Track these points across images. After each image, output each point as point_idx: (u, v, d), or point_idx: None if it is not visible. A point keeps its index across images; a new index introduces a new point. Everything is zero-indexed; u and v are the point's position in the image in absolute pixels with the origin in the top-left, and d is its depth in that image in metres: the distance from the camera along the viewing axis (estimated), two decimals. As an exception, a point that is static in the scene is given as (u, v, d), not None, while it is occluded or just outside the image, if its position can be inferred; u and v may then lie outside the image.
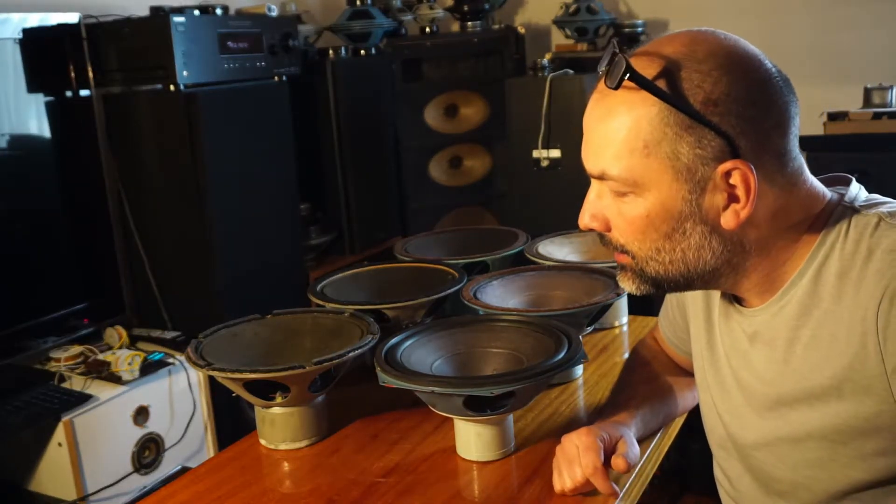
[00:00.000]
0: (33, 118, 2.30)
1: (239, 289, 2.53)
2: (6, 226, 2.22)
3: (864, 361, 0.86)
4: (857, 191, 0.95)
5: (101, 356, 2.27)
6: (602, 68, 0.90)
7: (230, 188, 2.52)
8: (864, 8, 3.13)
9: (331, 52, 3.11)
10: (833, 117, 2.87)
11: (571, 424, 1.24)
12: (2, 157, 2.23)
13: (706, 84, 0.85)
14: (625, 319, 1.68)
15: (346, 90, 3.12)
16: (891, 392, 0.85)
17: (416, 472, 1.16)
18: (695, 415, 1.19)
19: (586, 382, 1.43)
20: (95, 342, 2.37)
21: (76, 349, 2.29)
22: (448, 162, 3.58)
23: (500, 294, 1.50)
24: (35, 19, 2.24)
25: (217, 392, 2.37)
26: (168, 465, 2.26)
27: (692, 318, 1.12)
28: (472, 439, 1.17)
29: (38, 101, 2.29)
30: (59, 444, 2.01)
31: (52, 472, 2.06)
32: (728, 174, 0.86)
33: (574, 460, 1.06)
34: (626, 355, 1.39)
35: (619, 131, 0.88)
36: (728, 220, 0.89)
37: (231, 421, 2.42)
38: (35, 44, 2.23)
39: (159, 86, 2.44)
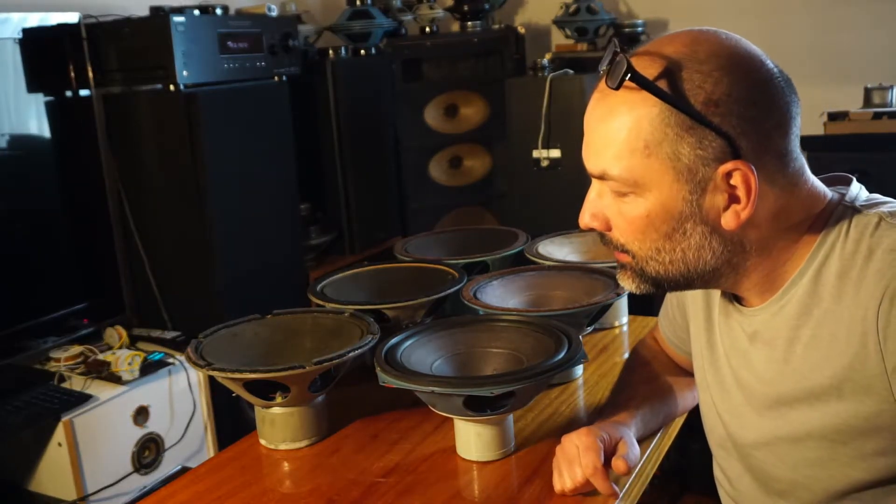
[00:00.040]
0: (33, 118, 2.30)
1: (239, 289, 2.53)
2: (6, 226, 2.22)
3: (864, 361, 0.86)
4: (857, 190, 0.95)
5: (101, 356, 2.27)
6: (603, 68, 0.90)
7: (230, 188, 2.52)
8: (864, 8, 3.13)
9: (331, 52, 3.11)
10: (833, 117, 2.87)
11: (571, 424, 1.24)
12: (2, 157, 2.23)
13: (707, 85, 0.85)
14: (625, 319, 1.68)
15: (346, 90, 3.12)
16: (891, 392, 0.85)
17: (416, 472, 1.16)
18: (695, 415, 1.19)
19: (586, 382, 1.43)
20: (95, 342, 2.37)
21: (76, 349, 2.29)
22: (448, 162, 3.58)
23: (500, 294, 1.50)
24: (35, 19, 2.24)
25: (217, 392, 2.37)
26: (168, 465, 2.26)
27: (692, 317, 1.12)
28: (472, 439, 1.17)
29: (38, 101, 2.29)
30: (59, 444, 2.01)
31: (52, 472, 2.06)
32: (729, 175, 0.86)
33: (574, 460, 1.06)
34: (626, 355, 1.39)
35: (619, 131, 0.88)
36: (729, 221, 0.89)
37: (231, 421, 2.42)
38: (35, 44, 2.23)
39: (159, 86, 2.44)
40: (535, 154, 3.16)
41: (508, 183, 3.40)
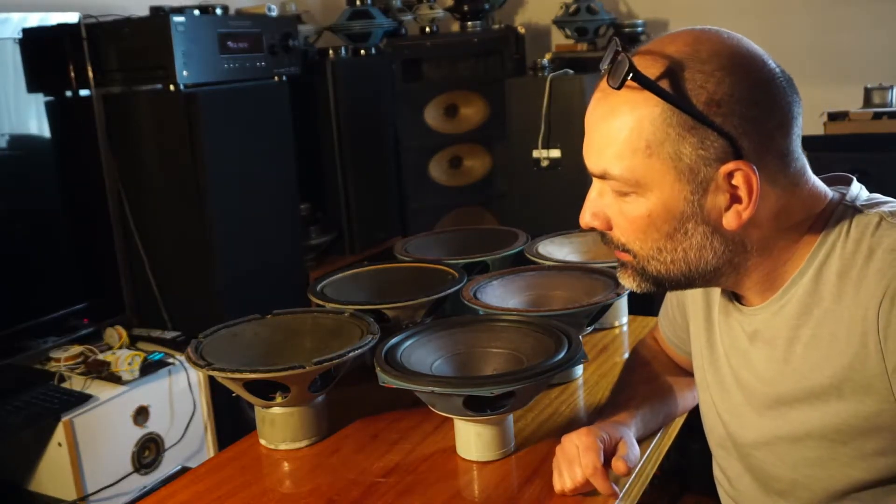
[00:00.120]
0: (33, 118, 2.30)
1: (239, 289, 2.53)
2: (6, 226, 2.22)
3: (864, 361, 0.86)
4: (858, 190, 0.95)
5: (101, 356, 2.27)
6: (604, 67, 0.90)
7: (230, 188, 2.52)
8: (864, 8, 3.13)
9: (331, 52, 3.11)
10: (833, 117, 2.87)
11: (571, 424, 1.24)
12: (2, 157, 2.23)
13: (709, 84, 0.85)
14: (625, 319, 1.68)
15: (346, 90, 3.12)
16: (891, 391, 0.85)
17: (416, 472, 1.16)
18: (695, 415, 1.19)
19: (586, 382, 1.43)
20: (95, 342, 2.37)
21: (76, 349, 2.29)
22: (448, 162, 3.58)
23: (500, 294, 1.50)
24: (35, 19, 2.24)
25: (217, 392, 2.37)
26: (168, 465, 2.26)
27: (692, 317, 1.12)
28: (472, 439, 1.17)
29: (38, 101, 2.29)
30: (59, 444, 2.01)
31: (52, 472, 2.06)
32: (730, 175, 0.86)
33: (574, 460, 1.06)
34: (626, 355, 1.39)
35: (621, 131, 0.88)
36: (730, 221, 0.89)
37: (231, 421, 2.42)
38: (35, 44, 2.23)
39: (159, 86, 2.44)
40: (535, 154, 3.16)
41: (508, 183, 3.40)
